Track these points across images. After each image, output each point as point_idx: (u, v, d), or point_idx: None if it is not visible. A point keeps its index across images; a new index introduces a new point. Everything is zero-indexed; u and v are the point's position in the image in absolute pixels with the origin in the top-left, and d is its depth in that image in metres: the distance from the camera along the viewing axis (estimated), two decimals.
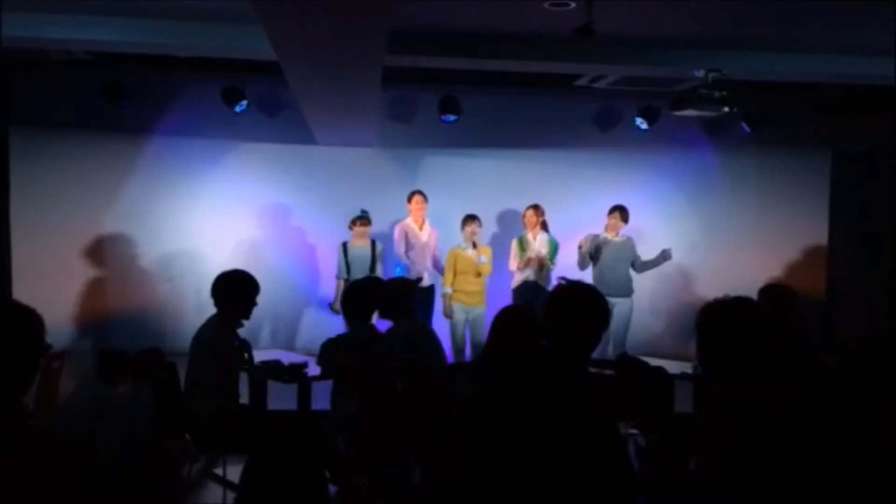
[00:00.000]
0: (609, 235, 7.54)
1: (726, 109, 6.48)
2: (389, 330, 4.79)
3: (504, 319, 3.65)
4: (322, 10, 4.09)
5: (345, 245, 7.62)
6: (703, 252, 9.17)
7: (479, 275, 7.19)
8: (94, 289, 8.51)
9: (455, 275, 7.23)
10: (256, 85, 8.15)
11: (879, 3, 5.35)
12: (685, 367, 5.50)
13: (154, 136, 8.50)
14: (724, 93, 6.39)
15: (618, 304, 6.99)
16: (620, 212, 7.57)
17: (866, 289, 8.88)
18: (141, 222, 8.50)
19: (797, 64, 6.96)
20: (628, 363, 2.89)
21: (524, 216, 7.75)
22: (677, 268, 9.07)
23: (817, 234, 9.34)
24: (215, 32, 6.22)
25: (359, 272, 7.32)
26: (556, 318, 2.58)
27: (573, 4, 5.41)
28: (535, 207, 7.68)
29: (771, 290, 4.67)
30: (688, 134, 8.93)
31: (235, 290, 4.52)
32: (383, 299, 4.81)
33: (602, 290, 2.70)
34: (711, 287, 8.60)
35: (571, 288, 2.65)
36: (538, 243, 7.60)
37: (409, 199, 7.78)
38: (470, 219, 7.39)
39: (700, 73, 6.51)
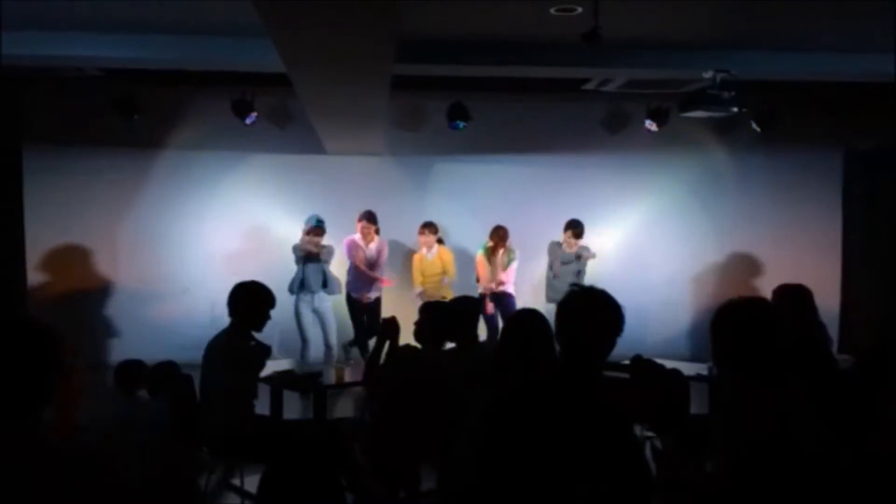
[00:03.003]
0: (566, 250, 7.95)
1: (735, 110, 6.45)
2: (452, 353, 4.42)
3: (517, 323, 3.62)
4: (330, 21, 4.12)
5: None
6: (716, 252, 9.14)
7: (444, 274, 7.93)
8: (109, 302, 8.57)
9: (423, 278, 7.93)
10: (266, 97, 8.20)
11: (888, 1, 5.33)
12: (700, 369, 5.48)
13: (165, 149, 8.57)
14: (733, 93, 6.37)
15: None
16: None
17: (882, 287, 8.82)
18: (154, 235, 8.55)
19: (806, 63, 6.93)
20: (643, 366, 2.89)
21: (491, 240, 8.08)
22: (691, 269, 9.05)
23: (831, 232, 9.28)
24: (225, 46, 6.27)
25: (312, 278, 7.66)
26: (569, 325, 2.57)
27: (579, 9, 5.42)
28: (499, 230, 8.08)
29: (786, 290, 4.64)
30: (697, 134, 8.90)
31: (251, 301, 4.54)
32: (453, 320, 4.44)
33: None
34: (725, 288, 8.59)
35: (583, 294, 2.64)
36: (499, 259, 8.03)
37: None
38: (425, 227, 7.97)
39: (708, 74, 6.49)
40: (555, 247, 8.15)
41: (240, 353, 4.46)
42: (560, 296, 2.70)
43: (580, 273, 8.01)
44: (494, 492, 2.47)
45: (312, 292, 7.67)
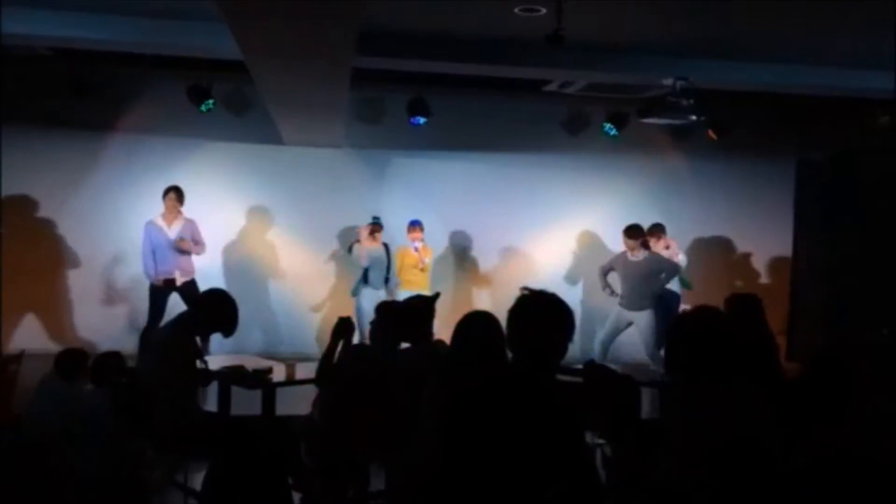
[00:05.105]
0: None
1: (694, 118, 6.53)
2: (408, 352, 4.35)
3: (466, 325, 3.57)
4: (289, 10, 4.04)
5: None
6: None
7: (422, 270, 7.90)
8: (53, 287, 8.34)
9: (403, 268, 7.94)
10: (223, 83, 8.04)
11: (846, 15, 5.43)
12: (653, 375, 5.52)
13: (116, 132, 8.35)
14: (692, 101, 6.44)
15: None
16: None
17: (829, 295, 9.01)
18: (103, 220, 8.33)
19: (762, 73, 7.05)
20: (595, 371, 2.88)
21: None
22: None
23: (782, 240, 9.46)
24: (181, 30, 6.13)
25: (375, 276, 7.72)
26: (520, 329, 2.53)
27: (543, 10, 5.41)
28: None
29: (737, 299, 4.70)
30: (656, 140, 8.98)
31: (222, 315, 4.42)
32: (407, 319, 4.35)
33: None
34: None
35: (533, 298, 2.61)
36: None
37: (164, 196, 7.54)
38: (413, 226, 7.93)
39: (668, 81, 6.55)
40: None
41: (182, 352, 4.34)
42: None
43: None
44: (448, 494, 2.44)
45: (375, 289, 7.66)
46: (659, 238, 7.93)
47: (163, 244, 7.47)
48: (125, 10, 5.92)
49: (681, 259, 8.01)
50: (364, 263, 7.67)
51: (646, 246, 7.42)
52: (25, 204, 8.18)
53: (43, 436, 4.31)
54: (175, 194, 7.55)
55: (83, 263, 8.38)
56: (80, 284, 8.38)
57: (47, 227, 8.29)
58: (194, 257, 7.66)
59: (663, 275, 7.47)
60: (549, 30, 4.91)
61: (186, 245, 7.46)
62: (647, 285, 7.33)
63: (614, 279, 7.58)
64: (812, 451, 2.62)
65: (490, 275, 9.05)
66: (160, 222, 7.54)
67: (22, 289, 8.13)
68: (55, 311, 8.33)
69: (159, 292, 7.45)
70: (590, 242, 9.17)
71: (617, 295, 7.46)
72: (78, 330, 8.27)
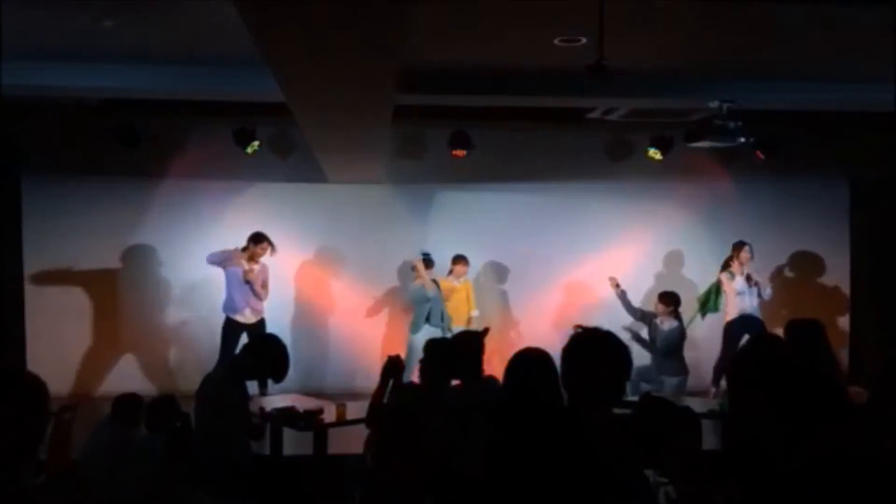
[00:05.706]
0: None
1: (742, 140, 6.41)
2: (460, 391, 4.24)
3: (519, 362, 3.50)
4: (330, 53, 4.07)
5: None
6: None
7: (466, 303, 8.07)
8: (108, 333, 8.48)
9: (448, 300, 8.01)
10: (267, 126, 8.16)
11: (890, 31, 5.29)
12: (712, 405, 5.36)
13: (167, 179, 8.51)
14: (740, 123, 6.32)
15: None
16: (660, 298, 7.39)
17: (891, 317, 8.70)
18: (154, 266, 8.48)
19: (811, 92, 6.89)
20: (653, 404, 2.79)
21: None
22: (695, 299, 8.92)
23: (839, 262, 9.16)
24: (226, 75, 6.24)
25: (436, 313, 7.79)
26: (575, 369, 2.46)
27: (584, 40, 5.37)
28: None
29: (798, 325, 4.52)
30: (702, 163, 8.82)
31: (272, 359, 4.42)
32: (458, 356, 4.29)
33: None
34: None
35: (587, 336, 2.54)
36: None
37: (257, 243, 7.66)
38: (460, 259, 8.06)
39: (714, 104, 6.45)
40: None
41: (231, 397, 4.34)
42: None
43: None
44: None
45: (435, 327, 7.69)
46: (739, 252, 7.82)
47: (240, 283, 7.55)
48: (170, 58, 6.05)
49: (766, 289, 7.92)
50: (431, 296, 7.73)
51: (676, 316, 7.26)
52: (79, 252, 8.35)
53: (94, 480, 4.33)
54: (270, 246, 7.63)
55: (138, 307, 8.52)
56: (135, 328, 8.51)
57: (102, 274, 8.45)
58: None
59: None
60: (590, 59, 4.85)
61: (253, 276, 7.52)
62: (667, 357, 7.07)
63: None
64: (812, 451, 2.54)
65: (537, 307, 8.94)
66: (243, 262, 7.60)
67: (79, 334, 8.32)
68: (111, 354, 8.45)
69: (231, 330, 7.53)
70: (638, 270, 9.01)
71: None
72: (133, 371, 8.38)
